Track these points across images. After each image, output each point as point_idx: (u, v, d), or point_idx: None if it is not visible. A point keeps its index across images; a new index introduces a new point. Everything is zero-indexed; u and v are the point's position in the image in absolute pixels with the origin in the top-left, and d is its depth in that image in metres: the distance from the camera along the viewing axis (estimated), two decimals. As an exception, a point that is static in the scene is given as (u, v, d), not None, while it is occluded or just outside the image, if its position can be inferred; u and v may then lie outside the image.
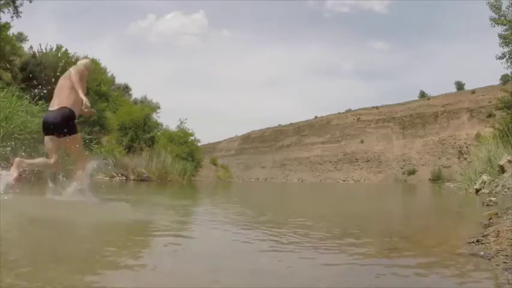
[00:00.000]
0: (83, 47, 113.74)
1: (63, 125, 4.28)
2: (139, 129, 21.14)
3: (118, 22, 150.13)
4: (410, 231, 3.57)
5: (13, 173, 4.10)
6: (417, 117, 71.22)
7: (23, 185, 4.51)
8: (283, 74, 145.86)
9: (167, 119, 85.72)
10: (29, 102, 11.45)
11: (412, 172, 64.43)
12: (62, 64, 15.97)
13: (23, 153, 10.22)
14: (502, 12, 14.55)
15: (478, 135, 34.12)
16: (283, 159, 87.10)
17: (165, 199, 6.97)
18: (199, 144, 31.83)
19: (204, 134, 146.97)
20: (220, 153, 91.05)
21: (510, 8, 14.43)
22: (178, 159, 22.49)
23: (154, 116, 24.94)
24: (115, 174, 15.81)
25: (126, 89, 31.41)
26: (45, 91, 14.84)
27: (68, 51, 16.60)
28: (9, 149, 9.46)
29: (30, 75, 15.48)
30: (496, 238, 2.44)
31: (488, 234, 2.60)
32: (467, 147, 55.96)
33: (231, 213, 4.90)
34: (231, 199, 8.55)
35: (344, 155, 77.35)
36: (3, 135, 9.72)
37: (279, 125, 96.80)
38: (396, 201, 10.05)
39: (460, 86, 71.60)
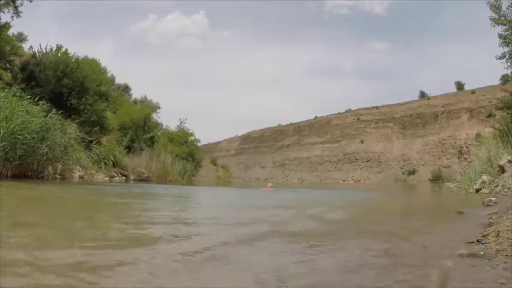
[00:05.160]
0: (83, 47, 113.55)
1: None
2: (139, 129, 21.13)
3: (118, 22, 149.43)
4: (411, 231, 3.58)
5: None
6: (417, 117, 71.12)
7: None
8: (283, 74, 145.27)
9: (167, 119, 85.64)
10: (29, 103, 11.44)
11: (412, 172, 64.34)
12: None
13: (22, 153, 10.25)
14: (502, 12, 14.54)
15: (478, 135, 34.12)
16: (283, 159, 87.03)
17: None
18: (199, 144, 31.92)
19: (204, 134, 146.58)
20: (220, 153, 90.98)
21: (510, 8, 14.42)
22: (178, 159, 22.50)
23: (154, 116, 24.97)
24: (115, 174, 15.78)
25: (126, 89, 31.40)
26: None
27: (68, 51, 16.59)
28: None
29: (30, 75, 15.47)
30: (496, 238, 2.44)
31: (488, 234, 2.60)
32: (467, 147, 55.88)
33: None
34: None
35: (344, 155, 77.27)
36: (3, 134, 9.72)
37: (279, 125, 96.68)
38: (396, 201, 10.05)
39: (460, 86, 71.44)
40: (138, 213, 4.75)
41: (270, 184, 14.77)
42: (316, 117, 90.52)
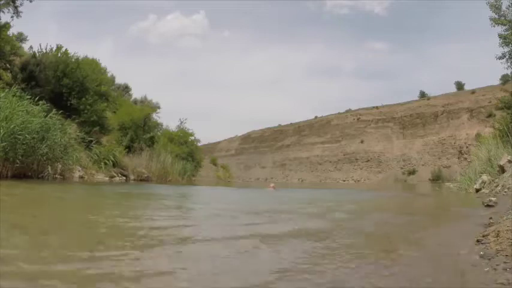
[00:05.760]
0: (83, 47, 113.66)
1: None
2: (139, 129, 21.11)
3: (118, 22, 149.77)
4: (411, 231, 3.57)
5: None
6: (417, 117, 71.10)
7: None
8: (283, 74, 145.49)
9: (167, 119, 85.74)
10: (29, 103, 11.44)
11: (412, 172, 64.33)
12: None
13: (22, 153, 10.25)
14: (502, 12, 14.52)
15: (478, 135, 34.12)
16: (283, 159, 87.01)
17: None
18: (199, 144, 31.91)
19: (204, 134, 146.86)
20: (220, 153, 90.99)
21: (510, 8, 14.41)
22: (178, 159, 22.49)
23: (154, 116, 24.94)
24: (115, 174, 15.78)
25: (126, 89, 31.38)
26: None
27: (68, 51, 16.58)
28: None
29: (30, 75, 15.46)
30: (496, 238, 2.44)
31: (488, 234, 2.60)
32: (467, 147, 55.87)
33: None
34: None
35: (344, 155, 77.25)
36: (3, 134, 9.72)
37: (279, 125, 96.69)
38: (396, 201, 10.05)
39: (460, 86, 71.42)
40: (140, 222, 4.51)
41: (272, 184, 14.57)
42: (316, 117, 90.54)
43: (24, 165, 10.48)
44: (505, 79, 43.13)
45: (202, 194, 11.02)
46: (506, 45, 14.50)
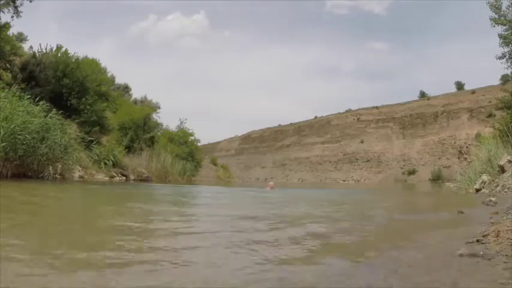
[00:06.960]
0: (83, 47, 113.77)
1: None
2: (139, 129, 21.11)
3: (118, 22, 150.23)
4: (411, 231, 3.57)
5: None
6: (417, 117, 71.14)
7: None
8: (283, 74, 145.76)
9: (167, 119, 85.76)
10: (29, 103, 11.43)
11: (412, 172, 64.37)
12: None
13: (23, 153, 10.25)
14: (502, 12, 14.52)
15: (478, 135, 34.15)
16: (283, 159, 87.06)
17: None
18: (199, 144, 31.91)
19: (204, 134, 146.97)
20: (220, 153, 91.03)
21: (510, 8, 14.42)
22: (178, 159, 22.49)
23: (154, 116, 24.95)
24: (115, 174, 15.77)
25: (126, 89, 31.37)
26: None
27: (68, 51, 16.58)
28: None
29: (30, 75, 15.46)
30: (496, 238, 2.44)
31: (488, 234, 2.60)
32: (467, 147, 55.88)
33: None
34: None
35: (344, 155, 77.29)
36: (4, 134, 9.72)
37: (279, 125, 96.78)
38: (397, 201, 10.05)
39: (460, 86, 71.50)
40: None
41: (271, 183, 13.44)
42: (316, 117, 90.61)
43: (24, 165, 10.48)
44: (505, 79, 43.07)
45: (196, 196, 10.92)
46: (506, 45, 14.51)
